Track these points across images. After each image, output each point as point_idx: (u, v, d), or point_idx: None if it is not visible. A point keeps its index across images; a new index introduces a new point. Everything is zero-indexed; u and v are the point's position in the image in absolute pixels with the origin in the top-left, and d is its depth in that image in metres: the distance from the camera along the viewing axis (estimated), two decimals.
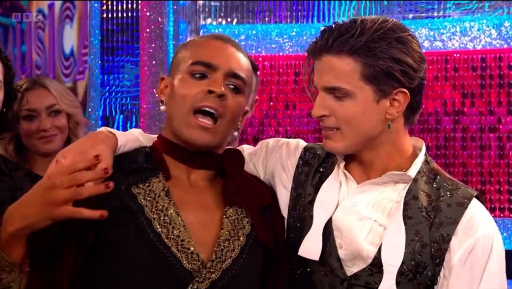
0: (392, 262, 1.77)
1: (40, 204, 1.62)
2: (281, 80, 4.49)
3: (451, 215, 1.80)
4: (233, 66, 1.85)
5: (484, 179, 4.18)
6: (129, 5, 4.39)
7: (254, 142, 3.98)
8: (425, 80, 1.84)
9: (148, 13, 4.40)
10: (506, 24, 4.20)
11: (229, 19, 4.54)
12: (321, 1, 4.41)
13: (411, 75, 1.78)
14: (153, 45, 4.40)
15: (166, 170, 1.85)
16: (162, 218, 1.78)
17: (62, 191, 1.60)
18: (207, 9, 4.54)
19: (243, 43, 4.41)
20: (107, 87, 4.42)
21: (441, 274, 1.79)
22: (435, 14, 4.32)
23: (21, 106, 2.71)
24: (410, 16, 4.33)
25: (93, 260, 1.76)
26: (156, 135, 1.97)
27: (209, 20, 4.54)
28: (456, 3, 4.28)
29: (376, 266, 1.79)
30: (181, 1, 4.52)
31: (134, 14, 4.40)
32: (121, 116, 4.41)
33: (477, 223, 1.79)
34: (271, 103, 4.50)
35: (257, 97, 2.70)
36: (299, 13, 4.46)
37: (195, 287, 1.76)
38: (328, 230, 1.86)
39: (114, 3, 4.39)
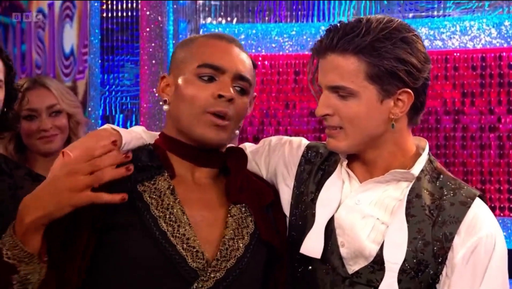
0: (394, 259, 1.77)
1: (60, 192, 1.62)
2: (281, 80, 4.49)
3: (454, 214, 1.80)
4: (240, 68, 1.85)
5: (484, 179, 4.18)
6: (129, 5, 4.38)
7: (254, 141, 3.97)
8: (429, 81, 1.84)
9: (148, 12, 4.40)
10: (506, 23, 4.20)
11: (229, 18, 4.53)
12: (321, 1, 4.41)
13: (416, 75, 1.78)
14: (153, 44, 4.40)
15: (171, 168, 1.86)
16: (167, 216, 1.78)
17: (83, 177, 1.61)
18: (207, 8, 4.54)
19: (243, 42, 4.37)
20: (107, 86, 4.41)
21: (443, 272, 1.79)
22: (435, 13, 4.32)
23: (22, 105, 2.71)
24: (410, 15, 4.33)
25: (100, 257, 1.76)
26: (158, 133, 1.97)
27: (209, 20, 4.54)
28: (456, 2, 4.28)
29: (378, 264, 1.79)
30: (181, 1, 4.52)
31: (134, 14, 4.39)
32: (121, 115, 4.41)
33: (480, 222, 1.80)
34: (271, 103, 4.50)
35: (255, 93, 2.71)
36: (299, 13, 4.46)
37: (200, 285, 1.76)
38: (330, 228, 1.86)
39: (114, 2, 4.38)
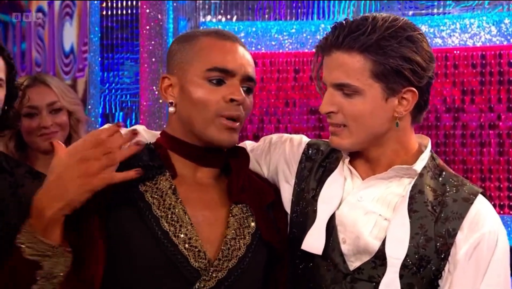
0: (396, 255, 1.78)
1: (75, 179, 1.63)
2: (281, 77, 4.48)
3: (457, 210, 1.81)
4: (248, 70, 1.85)
5: (484, 176, 4.18)
6: (129, 3, 4.38)
7: (254, 139, 3.97)
8: (433, 79, 1.84)
9: (147, 11, 4.40)
10: (506, 21, 4.20)
11: (228, 16, 4.53)
12: None
13: (420, 74, 1.79)
14: (152, 42, 4.39)
15: (172, 168, 1.85)
16: (169, 216, 1.78)
17: (97, 161, 1.62)
18: (206, 6, 4.53)
19: (243, 40, 4.36)
20: (107, 84, 4.41)
21: (446, 268, 1.80)
22: (435, 11, 4.32)
23: (22, 103, 2.70)
24: (410, 13, 4.33)
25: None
26: (159, 132, 1.97)
27: (208, 17, 4.53)
28: (456, 0, 4.27)
29: (379, 259, 1.80)
30: None
31: (134, 12, 4.39)
32: (121, 113, 4.41)
33: (482, 218, 1.81)
34: (271, 101, 4.49)
35: None
36: (299, 10, 4.46)
37: (202, 285, 1.76)
38: (331, 225, 1.87)
39: (114, 0, 4.38)
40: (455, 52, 4.27)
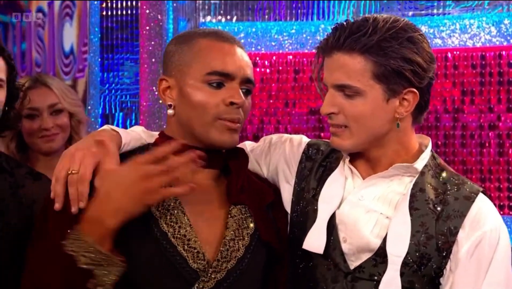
0: (397, 252, 1.79)
1: (138, 195, 1.67)
2: (281, 78, 4.48)
3: (458, 208, 1.82)
4: (246, 72, 1.85)
5: (484, 177, 4.18)
6: (129, 3, 4.38)
7: (254, 139, 3.97)
8: (434, 80, 1.85)
9: (147, 11, 4.39)
10: (506, 21, 4.20)
11: (228, 17, 4.53)
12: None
13: (421, 75, 1.80)
14: (152, 42, 4.39)
15: None
16: (168, 217, 1.79)
17: (159, 178, 1.67)
18: (206, 7, 4.53)
19: (242, 40, 4.38)
20: (107, 85, 4.41)
21: (447, 267, 1.81)
22: (435, 11, 4.32)
23: (23, 104, 2.70)
24: (410, 13, 4.33)
25: None
26: (158, 133, 1.97)
27: (208, 18, 4.53)
28: (455, 1, 4.27)
29: (380, 256, 1.80)
30: None
31: (134, 12, 4.39)
32: (121, 114, 4.40)
33: (484, 217, 1.81)
34: (271, 101, 4.49)
35: None
36: (299, 11, 4.45)
37: (200, 286, 1.77)
38: (331, 224, 1.87)
39: (114, 1, 4.38)
40: (455, 52, 4.26)
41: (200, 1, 4.53)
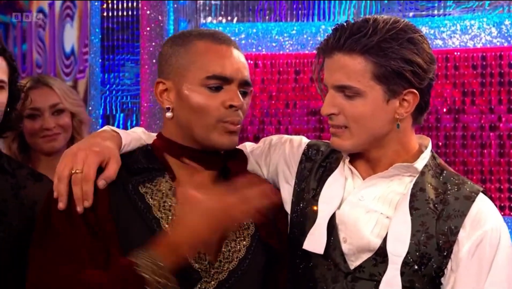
0: (397, 252, 1.79)
1: (212, 229, 1.70)
2: (282, 79, 4.48)
3: (459, 208, 1.82)
4: (244, 74, 1.86)
5: (485, 178, 4.18)
6: (130, 4, 4.38)
7: (255, 140, 3.97)
8: (434, 81, 1.86)
9: (148, 12, 4.40)
10: (507, 22, 4.19)
11: (229, 18, 4.53)
12: (322, 0, 4.41)
13: (421, 76, 1.80)
14: (153, 43, 4.39)
15: (171, 170, 1.86)
16: (169, 217, 1.79)
17: (241, 209, 1.70)
18: (207, 8, 4.53)
19: (243, 41, 4.41)
20: (108, 86, 4.41)
21: (448, 266, 1.81)
22: (435, 12, 4.31)
23: (25, 105, 2.70)
24: (410, 14, 4.33)
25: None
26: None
27: (209, 19, 4.53)
28: (456, 2, 4.27)
29: (380, 256, 1.81)
30: (181, 0, 4.52)
31: (135, 13, 4.39)
32: (122, 115, 4.40)
33: (484, 216, 1.82)
34: (272, 102, 4.49)
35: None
36: (300, 12, 4.45)
37: (202, 287, 1.78)
38: (331, 225, 1.88)
39: (115, 1, 4.37)
40: (455, 53, 4.26)
41: (201, 2, 4.53)
